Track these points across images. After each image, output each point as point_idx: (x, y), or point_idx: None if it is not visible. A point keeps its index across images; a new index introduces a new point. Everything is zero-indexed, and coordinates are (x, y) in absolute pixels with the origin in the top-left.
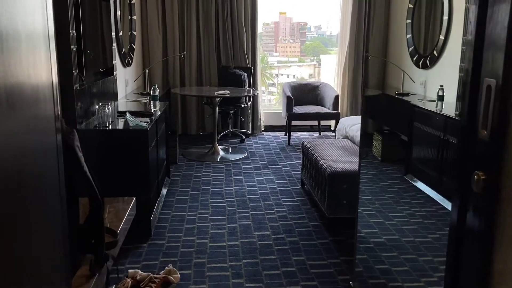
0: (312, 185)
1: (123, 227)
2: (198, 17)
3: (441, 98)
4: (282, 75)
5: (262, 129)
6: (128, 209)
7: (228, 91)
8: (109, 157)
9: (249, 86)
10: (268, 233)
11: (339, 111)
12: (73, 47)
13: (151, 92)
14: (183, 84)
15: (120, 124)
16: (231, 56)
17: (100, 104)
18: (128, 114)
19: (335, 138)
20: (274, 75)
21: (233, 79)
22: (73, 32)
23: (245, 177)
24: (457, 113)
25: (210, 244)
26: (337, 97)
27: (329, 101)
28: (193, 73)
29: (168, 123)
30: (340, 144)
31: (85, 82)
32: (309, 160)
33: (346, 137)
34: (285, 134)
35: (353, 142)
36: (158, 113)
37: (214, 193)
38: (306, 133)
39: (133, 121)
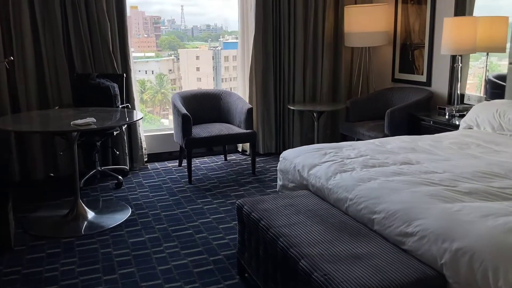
0: None
1: None
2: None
3: None
4: (139, 71)
5: (145, 159)
6: None
7: (93, 119)
8: None
9: (122, 102)
10: None
11: (254, 129)
12: None
13: None
14: (16, 108)
15: None
16: (91, 60)
17: None
18: None
19: (277, 183)
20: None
21: (97, 94)
22: None
23: (140, 268)
24: None
25: None
26: (250, 111)
27: (239, 116)
28: (31, 89)
29: None
30: (306, 205)
31: None
32: (263, 244)
33: (304, 186)
34: (179, 165)
35: (324, 198)
36: None
37: None
38: (206, 159)
39: None
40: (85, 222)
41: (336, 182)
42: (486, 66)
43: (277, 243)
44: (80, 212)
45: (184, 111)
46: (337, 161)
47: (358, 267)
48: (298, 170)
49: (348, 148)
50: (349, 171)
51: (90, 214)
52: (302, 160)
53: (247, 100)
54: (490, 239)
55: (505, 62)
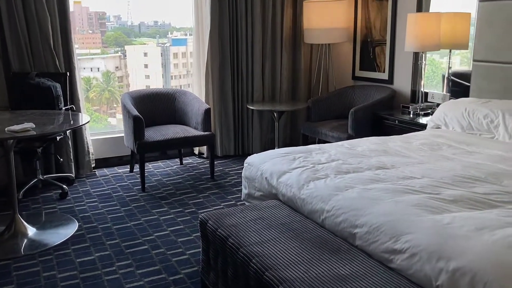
0: None
1: None
2: None
3: None
4: (84, 68)
5: (93, 165)
6: None
7: (31, 124)
8: None
9: (66, 104)
10: None
11: (212, 131)
12: None
13: None
14: None
15: None
16: (29, 57)
17: None
18: None
19: (243, 192)
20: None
21: (37, 95)
22: None
23: None
24: None
25: None
26: (208, 111)
27: (196, 117)
28: None
29: None
30: (277, 218)
31: None
32: (233, 265)
33: (272, 194)
34: (131, 171)
35: (297, 208)
36: None
37: None
38: (160, 163)
39: None
40: (25, 240)
41: (310, 191)
42: (449, 63)
43: (250, 264)
44: (18, 229)
45: (135, 112)
46: (308, 167)
47: None
48: (266, 178)
49: (317, 152)
50: (322, 178)
51: (31, 231)
52: (269, 166)
53: (203, 99)
54: (492, 256)
55: (447, 60)
